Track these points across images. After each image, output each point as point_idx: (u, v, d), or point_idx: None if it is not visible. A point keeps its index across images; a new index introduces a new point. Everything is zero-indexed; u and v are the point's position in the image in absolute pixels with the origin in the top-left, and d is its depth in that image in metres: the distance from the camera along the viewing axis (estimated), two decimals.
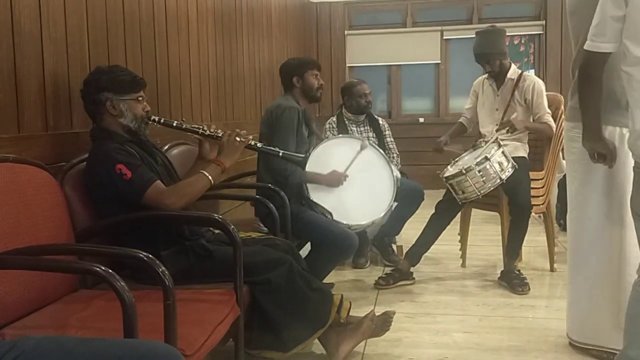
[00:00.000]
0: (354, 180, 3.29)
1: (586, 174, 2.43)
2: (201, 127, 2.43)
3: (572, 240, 2.57)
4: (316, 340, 2.48)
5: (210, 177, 2.26)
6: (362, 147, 3.37)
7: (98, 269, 1.45)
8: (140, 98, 2.25)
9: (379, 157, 3.51)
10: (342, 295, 2.51)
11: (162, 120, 2.36)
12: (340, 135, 3.43)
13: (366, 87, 4.19)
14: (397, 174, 3.55)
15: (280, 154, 2.74)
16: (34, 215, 1.88)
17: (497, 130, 3.57)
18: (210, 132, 2.42)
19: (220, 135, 2.40)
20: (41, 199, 1.92)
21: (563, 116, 3.77)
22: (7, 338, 1.55)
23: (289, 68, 3.34)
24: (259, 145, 2.62)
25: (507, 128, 3.50)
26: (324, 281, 3.47)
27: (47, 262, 1.70)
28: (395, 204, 3.47)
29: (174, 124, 2.40)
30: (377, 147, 3.64)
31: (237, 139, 2.40)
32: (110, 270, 1.43)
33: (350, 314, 2.57)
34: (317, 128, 3.58)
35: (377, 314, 2.61)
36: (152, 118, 2.32)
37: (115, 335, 1.41)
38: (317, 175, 3.22)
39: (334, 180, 3.25)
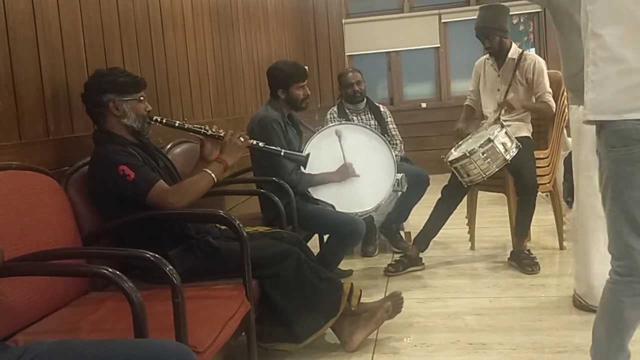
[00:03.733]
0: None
1: None
2: (203, 127, 2.44)
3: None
4: (329, 330, 2.49)
5: (213, 175, 2.27)
6: (338, 134, 3.34)
7: (105, 272, 1.45)
8: (141, 98, 2.26)
9: (370, 137, 3.49)
10: (352, 284, 2.52)
11: (164, 121, 2.37)
12: (315, 133, 3.41)
13: (356, 76, 4.12)
14: (395, 152, 3.54)
15: (282, 153, 2.74)
16: (40, 221, 1.88)
17: (495, 111, 3.55)
18: (212, 132, 2.43)
19: (222, 135, 2.41)
20: (46, 205, 1.93)
21: (565, 93, 3.76)
22: (20, 344, 1.56)
23: (275, 78, 3.28)
24: (260, 144, 2.63)
25: (504, 108, 3.49)
26: (342, 268, 3.50)
27: (56, 266, 1.71)
28: (401, 175, 3.46)
29: (176, 124, 2.40)
30: (366, 127, 3.64)
31: (240, 138, 2.42)
32: (117, 272, 1.43)
33: (361, 301, 2.57)
34: (307, 125, 3.58)
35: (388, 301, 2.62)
36: (154, 118, 2.33)
37: (127, 336, 1.41)
38: (327, 175, 3.23)
39: (345, 173, 3.25)
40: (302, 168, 3.10)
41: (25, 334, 1.68)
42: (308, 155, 2.94)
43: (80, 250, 2.01)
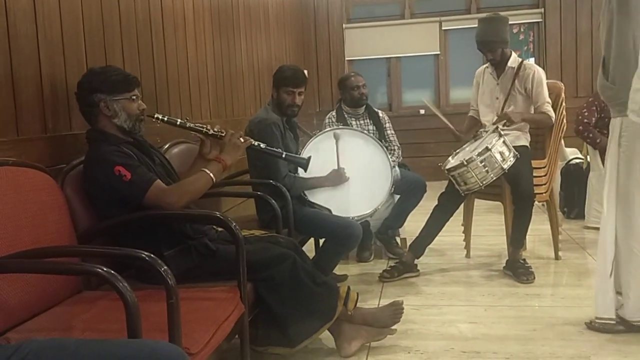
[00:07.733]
0: (347, 172, 3.29)
1: None
2: (205, 126, 2.43)
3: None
4: (323, 335, 2.47)
5: (211, 175, 2.25)
6: (336, 137, 3.32)
7: (100, 270, 1.44)
8: (134, 97, 2.22)
9: (367, 142, 3.49)
10: (348, 287, 2.51)
11: (166, 119, 2.36)
12: (314, 135, 3.40)
13: (360, 80, 4.14)
14: (392, 158, 3.54)
15: (283, 155, 2.73)
16: (35, 218, 1.87)
17: (494, 124, 3.55)
18: (214, 131, 2.41)
19: (223, 134, 2.40)
20: (42, 202, 1.92)
21: (564, 104, 3.77)
22: (12, 342, 1.55)
23: (273, 78, 3.33)
24: (262, 146, 2.62)
25: (503, 121, 3.48)
26: (337, 273, 3.49)
27: (50, 264, 1.70)
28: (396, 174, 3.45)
29: (178, 122, 2.39)
30: (363, 132, 3.63)
31: (240, 139, 2.41)
32: (112, 271, 1.42)
33: (357, 306, 2.55)
34: (304, 129, 3.57)
35: (384, 304, 2.61)
36: (155, 116, 2.32)
37: (120, 336, 1.40)
38: (319, 179, 3.21)
39: (337, 178, 3.24)
40: (300, 171, 3.09)
41: (17, 332, 1.66)
42: (309, 158, 2.93)
43: (75, 248, 1.99)
